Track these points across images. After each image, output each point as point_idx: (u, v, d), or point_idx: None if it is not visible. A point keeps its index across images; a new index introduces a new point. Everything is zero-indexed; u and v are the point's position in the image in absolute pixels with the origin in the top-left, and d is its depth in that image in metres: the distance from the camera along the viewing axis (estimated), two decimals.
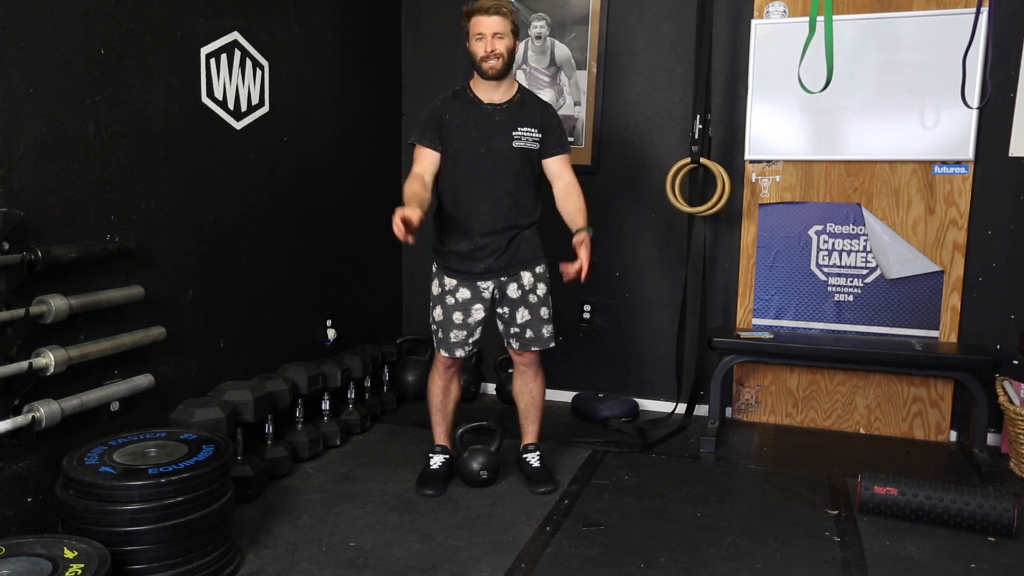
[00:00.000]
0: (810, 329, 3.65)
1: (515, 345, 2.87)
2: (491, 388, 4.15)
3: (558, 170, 2.81)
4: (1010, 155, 3.32)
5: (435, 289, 2.86)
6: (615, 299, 3.95)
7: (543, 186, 2.85)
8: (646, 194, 3.82)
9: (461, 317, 2.81)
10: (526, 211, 2.80)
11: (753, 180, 3.65)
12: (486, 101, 2.75)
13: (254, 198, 3.08)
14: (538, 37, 3.90)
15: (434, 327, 2.87)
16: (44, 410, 2.14)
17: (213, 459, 2.20)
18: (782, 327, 3.67)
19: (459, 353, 2.84)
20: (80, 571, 1.81)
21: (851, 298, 3.60)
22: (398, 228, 2.45)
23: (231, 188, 2.95)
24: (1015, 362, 3.38)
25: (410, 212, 2.47)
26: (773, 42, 3.53)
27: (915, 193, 3.46)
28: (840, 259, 3.60)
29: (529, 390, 2.96)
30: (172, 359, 2.71)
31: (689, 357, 3.76)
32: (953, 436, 3.52)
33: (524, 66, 3.93)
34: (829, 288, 3.62)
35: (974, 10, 2.93)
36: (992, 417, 3.29)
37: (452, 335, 2.82)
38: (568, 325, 3.95)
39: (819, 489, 2.93)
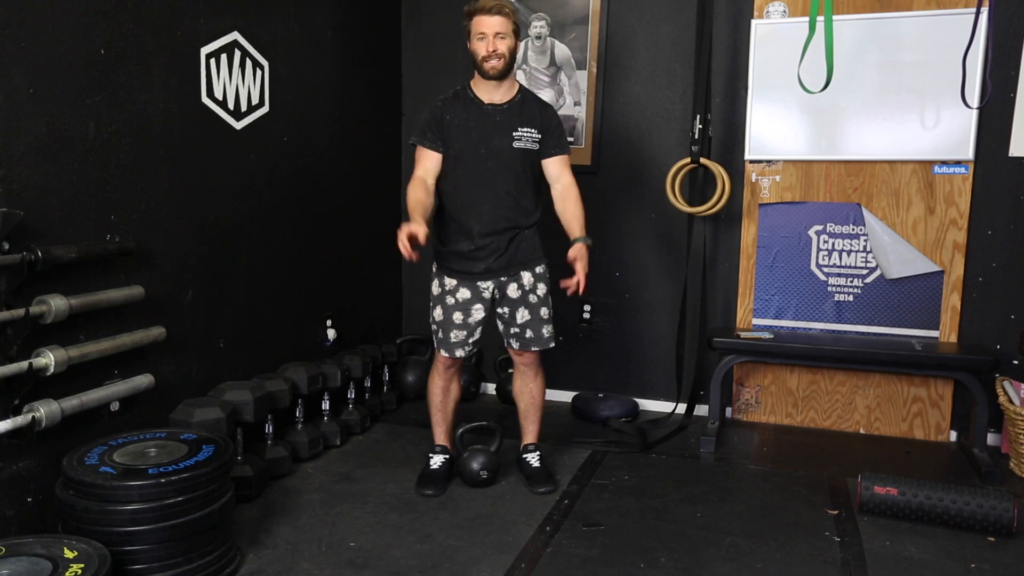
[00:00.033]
0: (810, 329, 3.66)
1: (515, 345, 2.87)
2: (491, 388, 4.15)
3: (556, 172, 2.81)
4: (1010, 155, 3.32)
5: (435, 289, 2.86)
6: (615, 299, 3.95)
7: (544, 186, 2.85)
8: (646, 194, 3.82)
9: (461, 317, 2.81)
10: (526, 211, 2.80)
11: (753, 180, 3.65)
12: (487, 101, 2.75)
13: (254, 198, 3.08)
14: (538, 37, 3.90)
15: (434, 327, 2.87)
16: (44, 410, 2.14)
17: (213, 459, 2.20)
18: (782, 327, 3.67)
19: (459, 353, 2.84)
20: (80, 571, 1.81)
21: (851, 298, 3.60)
22: (404, 246, 2.44)
23: (231, 188, 2.95)
24: (1015, 362, 3.38)
25: (416, 228, 2.46)
26: (773, 42, 3.53)
27: (915, 193, 3.46)
28: (840, 259, 3.60)
29: (529, 390, 2.96)
30: (172, 359, 2.71)
31: (689, 357, 3.76)
32: (953, 436, 3.52)
33: (524, 66, 3.93)
34: (829, 288, 3.62)
35: (974, 10, 2.93)
36: (992, 417, 3.29)
37: (452, 335, 2.82)
38: (568, 325, 3.95)
39: (819, 489, 2.93)
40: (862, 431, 3.64)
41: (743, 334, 3.51)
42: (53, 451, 2.24)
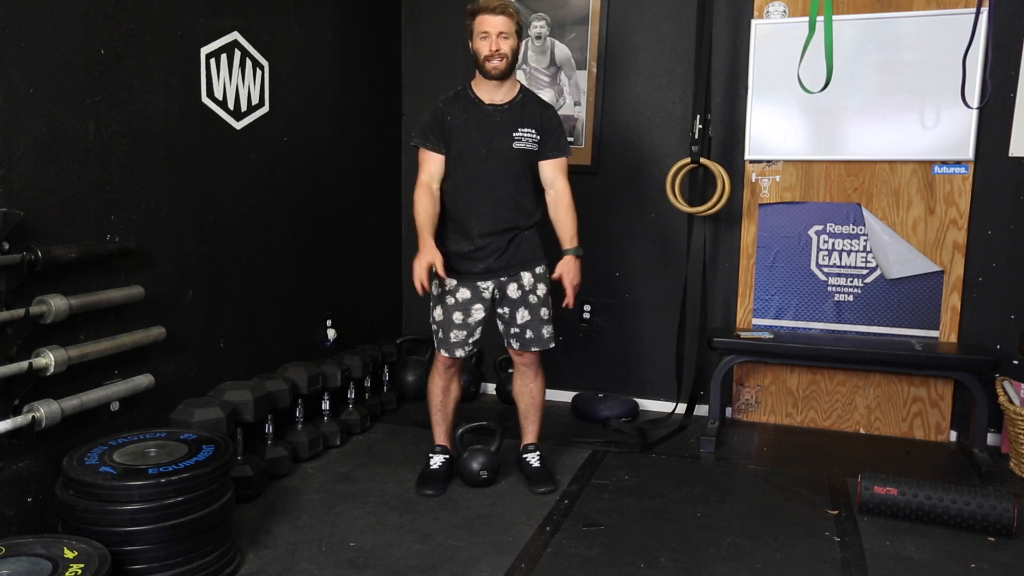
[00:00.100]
0: (810, 329, 3.65)
1: (515, 345, 2.87)
2: (491, 388, 4.15)
3: (551, 176, 2.80)
4: (1010, 155, 3.32)
5: (435, 289, 2.86)
6: (615, 299, 3.95)
7: None
8: (646, 194, 3.82)
9: (461, 317, 2.81)
10: (526, 212, 2.80)
11: (753, 180, 3.65)
12: (487, 102, 2.75)
13: (254, 198, 3.08)
14: (538, 37, 3.90)
15: (434, 327, 2.87)
16: (44, 410, 2.14)
17: (213, 459, 2.20)
18: (782, 327, 3.67)
19: (459, 353, 2.84)
20: (80, 571, 1.81)
21: (851, 298, 3.60)
22: (421, 282, 2.55)
23: (231, 188, 2.95)
24: (1015, 362, 3.38)
25: (435, 258, 2.55)
26: (773, 42, 3.53)
27: (915, 193, 3.46)
28: (840, 259, 3.60)
29: (529, 390, 2.96)
30: (172, 359, 2.71)
31: (689, 357, 3.76)
32: (953, 436, 3.52)
33: (524, 66, 3.93)
34: (829, 288, 3.62)
35: (974, 10, 2.93)
36: (992, 417, 3.29)
37: (452, 335, 2.82)
38: (568, 325, 3.95)
39: (819, 489, 2.93)
40: (862, 431, 3.64)
41: (743, 334, 3.51)
42: (53, 451, 2.24)
